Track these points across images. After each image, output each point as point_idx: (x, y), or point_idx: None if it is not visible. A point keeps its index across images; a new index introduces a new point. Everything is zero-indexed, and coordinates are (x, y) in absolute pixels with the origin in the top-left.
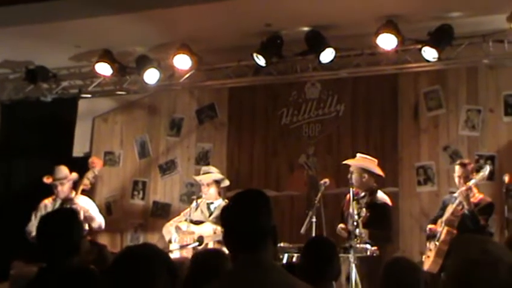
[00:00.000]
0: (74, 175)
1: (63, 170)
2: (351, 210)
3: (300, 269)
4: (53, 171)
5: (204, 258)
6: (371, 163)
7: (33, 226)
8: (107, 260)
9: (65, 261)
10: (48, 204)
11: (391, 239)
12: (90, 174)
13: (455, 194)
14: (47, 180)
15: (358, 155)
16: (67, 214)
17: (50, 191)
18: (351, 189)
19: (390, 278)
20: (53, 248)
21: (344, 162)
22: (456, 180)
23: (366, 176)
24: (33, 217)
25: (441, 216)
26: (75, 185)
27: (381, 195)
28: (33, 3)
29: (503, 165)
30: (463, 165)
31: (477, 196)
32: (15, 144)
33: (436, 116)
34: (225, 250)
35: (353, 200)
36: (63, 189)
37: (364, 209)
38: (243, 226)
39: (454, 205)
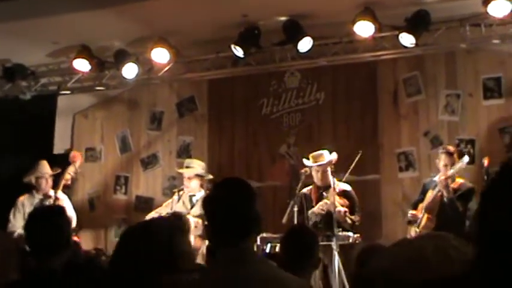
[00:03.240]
0: (56, 170)
1: (46, 165)
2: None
3: (281, 258)
4: (34, 167)
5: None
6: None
7: (13, 226)
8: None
9: (56, 257)
10: (25, 201)
11: None
12: (71, 169)
13: (435, 178)
14: (29, 178)
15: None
16: (56, 210)
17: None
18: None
19: (363, 264)
20: (42, 244)
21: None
22: (441, 168)
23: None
24: (11, 216)
25: (422, 200)
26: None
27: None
28: (8, 1)
29: (483, 149)
30: (449, 154)
31: (457, 181)
32: None
33: (415, 102)
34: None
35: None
36: (48, 184)
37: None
38: (229, 217)
39: (434, 192)
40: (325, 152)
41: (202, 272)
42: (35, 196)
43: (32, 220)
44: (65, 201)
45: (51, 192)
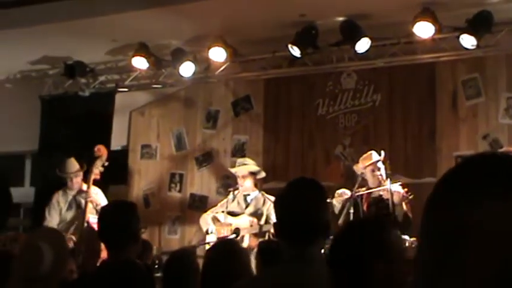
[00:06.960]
0: (84, 167)
1: (75, 163)
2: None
3: None
4: (64, 165)
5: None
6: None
7: (49, 223)
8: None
9: (125, 251)
10: (60, 198)
11: None
12: (99, 163)
13: None
14: (60, 173)
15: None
16: (125, 205)
17: None
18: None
19: None
20: (112, 238)
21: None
22: None
23: None
24: (46, 213)
25: None
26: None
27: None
28: (69, 0)
29: None
30: None
31: None
32: (54, 139)
33: (475, 105)
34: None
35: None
36: (78, 181)
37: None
38: (295, 219)
39: None
40: (373, 152)
41: (261, 274)
42: (68, 193)
43: (102, 215)
44: (98, 194)
45: (85, 187)
